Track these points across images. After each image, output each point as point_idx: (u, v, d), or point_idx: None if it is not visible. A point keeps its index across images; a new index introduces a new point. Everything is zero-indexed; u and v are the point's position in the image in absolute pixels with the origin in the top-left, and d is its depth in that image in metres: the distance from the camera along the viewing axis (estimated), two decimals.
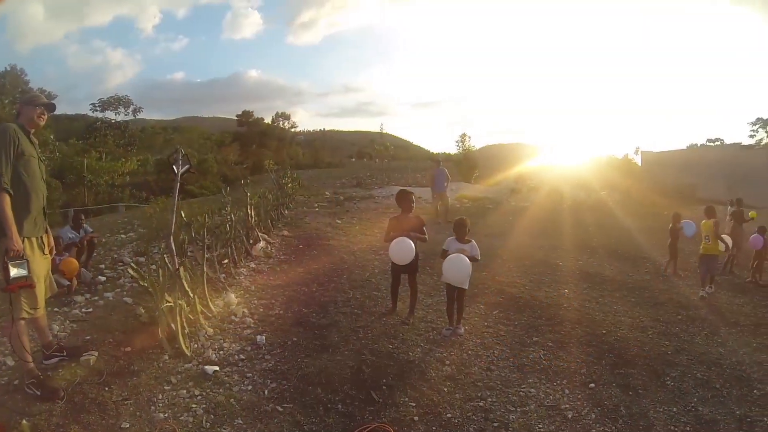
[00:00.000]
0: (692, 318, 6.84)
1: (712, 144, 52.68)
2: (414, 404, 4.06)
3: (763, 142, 55.51)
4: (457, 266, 5.24)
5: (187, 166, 5.38)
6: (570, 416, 4.14)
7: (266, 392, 4.03)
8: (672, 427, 4.14)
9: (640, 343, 5.81)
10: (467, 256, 5.35)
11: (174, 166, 5.32)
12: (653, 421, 4.19)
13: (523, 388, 4.53)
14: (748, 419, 4.32)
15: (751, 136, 57.48)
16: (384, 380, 4.35)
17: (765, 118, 57.31)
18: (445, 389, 4.36)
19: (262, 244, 8.69)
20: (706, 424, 4.19)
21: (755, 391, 4.86)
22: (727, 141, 52.02)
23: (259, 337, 5.03)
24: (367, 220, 12.93)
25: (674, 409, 4.41)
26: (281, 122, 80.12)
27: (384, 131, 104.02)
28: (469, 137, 75.70)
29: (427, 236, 5.83)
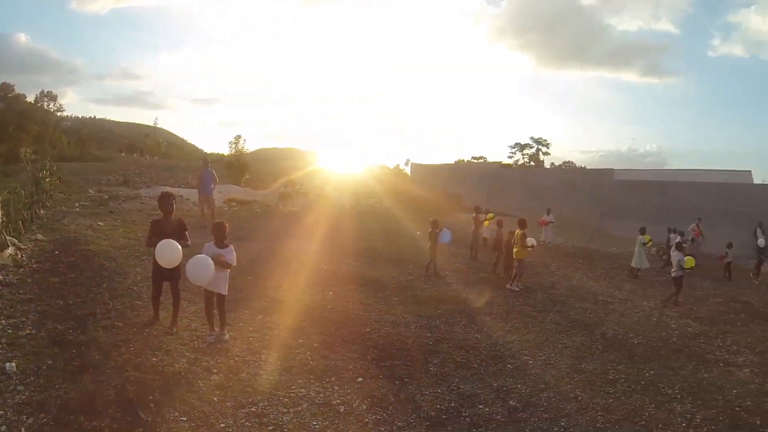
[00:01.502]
0: (452, 311, 8.07)
1: (476, 161, 63.38)
2: (185, 418, 4.01)
3: (519, 162, 69.82)
4: (198, 267, 5.29)
5: None
6: (342, 410, 4.53)
7: (23, 430, 3.69)
8: (438, 405, 4.87)
9: (403, 337, 6.65)
10: (224, 261, 5.46)
11: None
12: (420, 403, 4.87)
13: (294, 389, 4.78)
14: (504, 389, 5.38)
15: (510, 157, 72.05)
16: (151, 397, 4.33)
17: (522, 143, 72.56)
18: (216, 399, 4.35)
19: (10, 250, 7.99)
20: (468, 398, 5.06)
21: (509, 366, 6.07)
22: (490, 159, 63.62)
23: (8, 364, 4.51)
24: (131, 222, 12.72)
25: (438, 390, 5.19)
26: (46, 103, 73.22)
27: (158, 125, 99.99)
28: (244, 139, 76.72)
29: (189, 241, 5.71)
